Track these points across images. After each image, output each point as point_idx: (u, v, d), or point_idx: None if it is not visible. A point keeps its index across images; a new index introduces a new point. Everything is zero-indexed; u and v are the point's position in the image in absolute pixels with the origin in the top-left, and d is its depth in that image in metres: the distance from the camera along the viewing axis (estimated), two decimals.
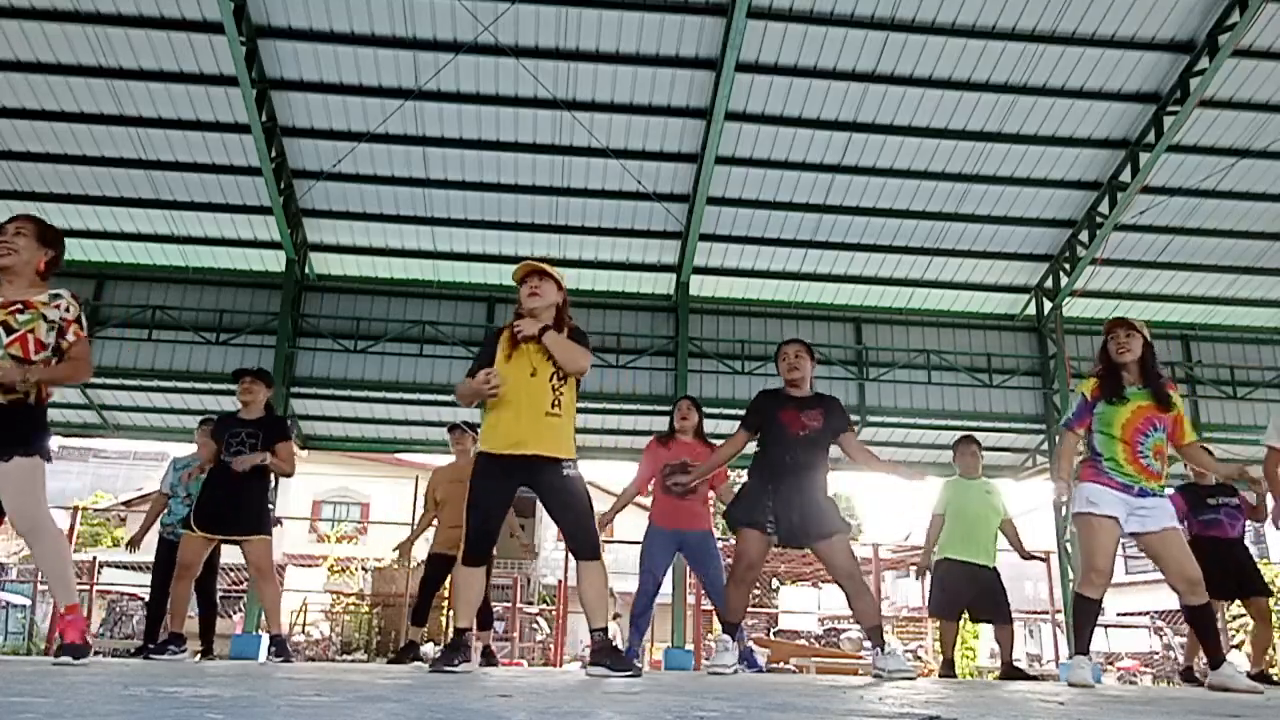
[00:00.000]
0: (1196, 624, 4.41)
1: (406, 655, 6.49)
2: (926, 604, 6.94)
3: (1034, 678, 7.38)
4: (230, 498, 5.45)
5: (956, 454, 6.52)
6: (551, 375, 3.74)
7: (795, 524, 4.39)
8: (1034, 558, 6.87)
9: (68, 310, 3.58)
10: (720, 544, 6.36)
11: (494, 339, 3.90)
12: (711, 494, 6.02)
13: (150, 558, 6.64)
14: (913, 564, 6.92)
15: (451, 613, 11.53)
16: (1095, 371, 4.48)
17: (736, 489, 5.00)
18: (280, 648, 5.55)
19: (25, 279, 3.57)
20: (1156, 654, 15.64)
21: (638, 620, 5.86)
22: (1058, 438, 12.16)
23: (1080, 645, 4.33)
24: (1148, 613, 15.49)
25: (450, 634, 3.94)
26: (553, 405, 3.71)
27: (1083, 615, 4.30)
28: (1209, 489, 6.09)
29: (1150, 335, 4.43)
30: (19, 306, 3.50)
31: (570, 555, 3.81)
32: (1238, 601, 6.24)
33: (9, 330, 3.47)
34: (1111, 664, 14.88)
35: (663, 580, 5.97)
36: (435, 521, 6.69)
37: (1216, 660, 4.20)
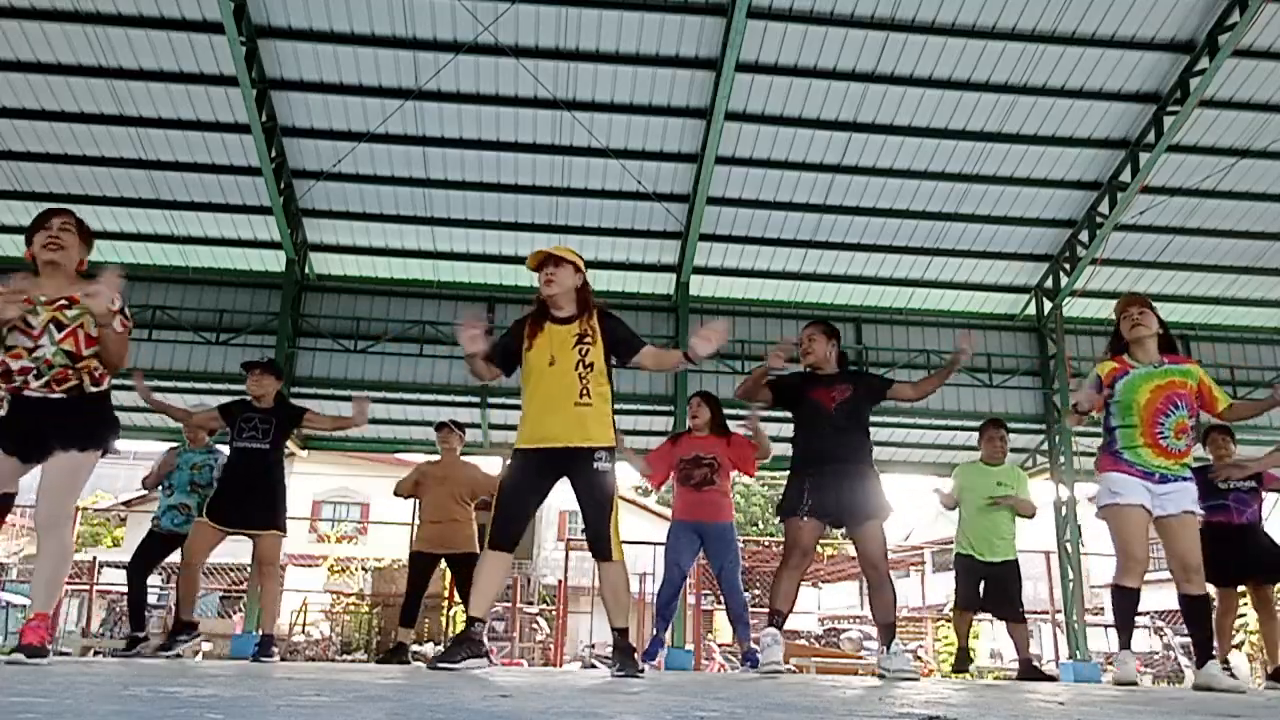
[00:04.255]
0: (1188, 615, 4.29)
1: (395, 657, 6.34)
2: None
3: (1052, 678, 7.33)
4: (248, 490, 5.29)
5: (981, 439, 6.49)
6: (576, 364, 3.69)
7: (835, 504, 4.29)
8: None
9: (113, 303, 3.50)
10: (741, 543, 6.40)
11: (517, 326, 3.89)
12: (747, 477, 6.15)
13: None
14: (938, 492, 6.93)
15: (453, 611, 11.54)
16: (1110, 354, 4.37)
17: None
18: (266, 649, 5.36)
19: (67, 276, 3.55)
20: (1156, 654, 15.63)
21: (662, 611, 5.95)
22: (1057, 438, 12.22)
23: (1123, 640, 4.25)
24: (1148, 613, 15.47)
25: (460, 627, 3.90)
26: (581, 394, 3.67)
27: (1122, 607, 4.23)
28: None
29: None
30: (65, 302, 3.48)
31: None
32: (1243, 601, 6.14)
33: (60, 326, 3.47)
34: (1111, 664, 14.85)
35: (688, 572, 6.06)
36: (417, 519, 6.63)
37: (1203, 658, 4.15)
